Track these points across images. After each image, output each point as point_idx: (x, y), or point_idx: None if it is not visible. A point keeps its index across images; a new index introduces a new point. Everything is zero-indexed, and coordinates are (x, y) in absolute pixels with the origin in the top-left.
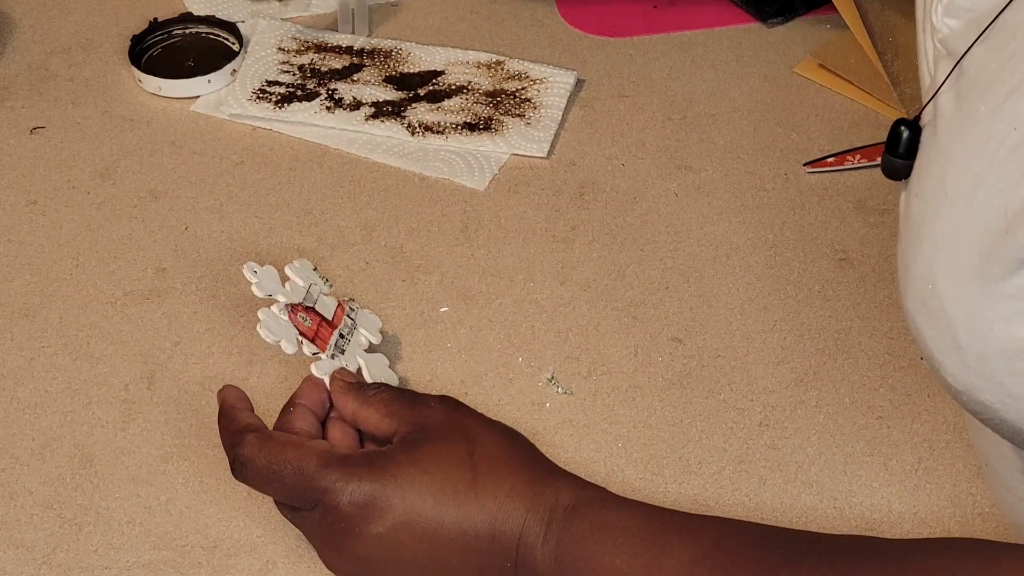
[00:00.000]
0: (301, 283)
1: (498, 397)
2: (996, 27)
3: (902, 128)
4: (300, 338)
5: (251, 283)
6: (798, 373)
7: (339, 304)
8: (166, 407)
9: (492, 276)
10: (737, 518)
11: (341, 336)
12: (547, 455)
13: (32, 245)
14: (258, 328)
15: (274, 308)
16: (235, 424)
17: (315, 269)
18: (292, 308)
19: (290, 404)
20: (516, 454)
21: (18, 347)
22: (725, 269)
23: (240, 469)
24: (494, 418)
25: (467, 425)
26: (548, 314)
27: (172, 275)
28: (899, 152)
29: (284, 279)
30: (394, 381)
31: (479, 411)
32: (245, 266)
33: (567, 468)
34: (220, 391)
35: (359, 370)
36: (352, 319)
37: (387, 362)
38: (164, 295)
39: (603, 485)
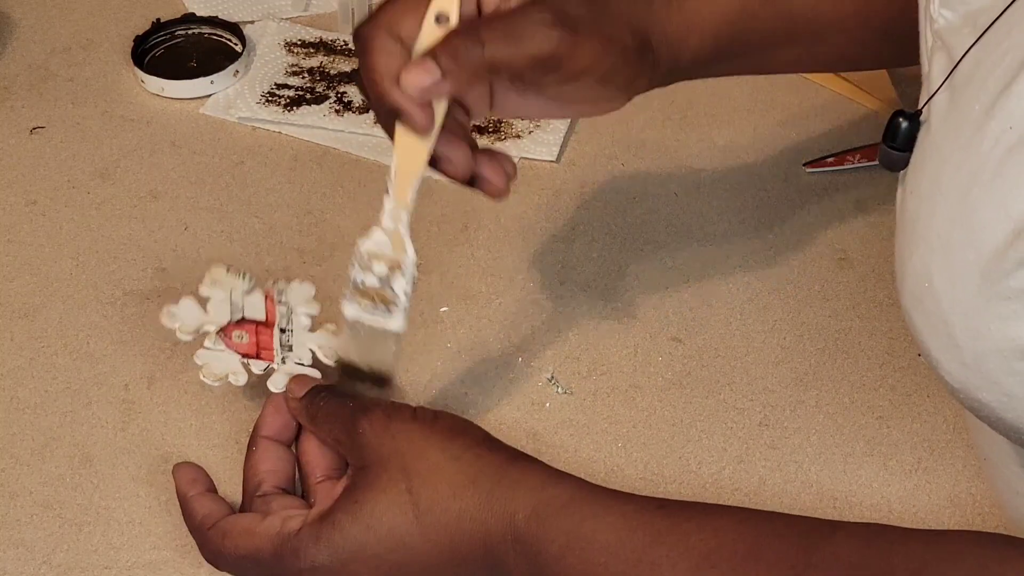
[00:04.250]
0: (220, 295)
1: (498, 397)
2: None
3: (900, 120)
4: (244, 360)
5: (174, 329)
6: (798, 373)
7: (267, 295)
8: (166, 407)
9: (492, 276)
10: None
11: (282, 331)
12: (547, 455)
13: (32, 245)
14: (200, 376)
15: (207, 343)
16: (192, 519)
17: (228, 270)
18: (224, 332)
19: (252, 442)
20: (457, 469)
21: (18, 347)
22: (725, 269)
23: (214, 563)
24: (487, 416)
25: (401, 452)
26: (548, 314)
27: (172, 275)
28: (896, 144)
29: (203, 302)
30: (314, 310)
31: (444, 409)
32: (162, 313)
33: (567, 468)
34: (173, 472)
35: (313, 358)
36: (284, 302)
37: (312, 292)
38: (164, 295)
39: (603, 485)
